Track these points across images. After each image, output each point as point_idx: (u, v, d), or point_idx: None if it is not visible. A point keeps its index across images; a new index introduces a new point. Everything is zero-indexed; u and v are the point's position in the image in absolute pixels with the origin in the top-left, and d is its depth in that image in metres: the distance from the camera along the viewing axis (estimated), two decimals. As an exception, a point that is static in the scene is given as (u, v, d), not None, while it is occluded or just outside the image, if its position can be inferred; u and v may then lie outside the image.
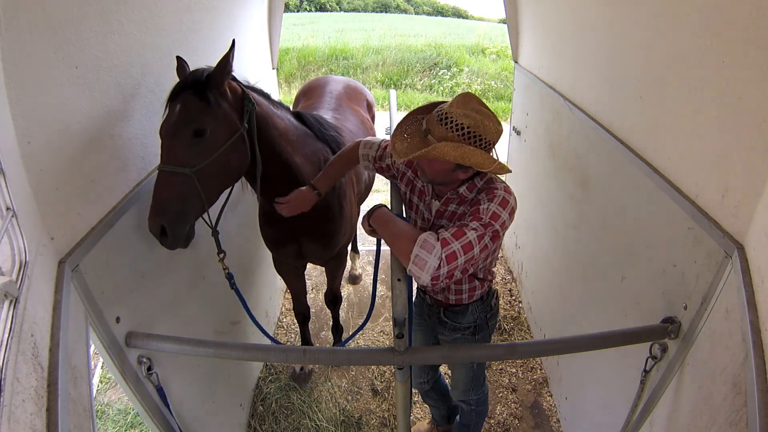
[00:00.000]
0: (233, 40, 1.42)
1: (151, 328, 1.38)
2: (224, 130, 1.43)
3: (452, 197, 1.39)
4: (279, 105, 1.77)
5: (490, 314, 1.63)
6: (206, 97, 1.38)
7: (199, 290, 1.81)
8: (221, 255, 1.63)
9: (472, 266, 1.22)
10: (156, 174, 1.33)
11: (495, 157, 1.25)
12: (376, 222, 1.35)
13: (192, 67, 1.48)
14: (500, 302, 3.18)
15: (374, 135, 2.79)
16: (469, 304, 1.58)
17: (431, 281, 1.16)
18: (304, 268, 2.53)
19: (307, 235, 2.01)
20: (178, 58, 1.50)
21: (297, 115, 1.88)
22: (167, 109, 1.39)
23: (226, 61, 1.39)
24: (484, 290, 1.57)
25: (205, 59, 1.95)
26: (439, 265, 1.14)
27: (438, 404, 2.16)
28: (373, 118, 2.97)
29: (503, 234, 1.25)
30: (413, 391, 2.57)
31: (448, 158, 1.19)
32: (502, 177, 1.45)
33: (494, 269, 1.56)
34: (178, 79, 1.45)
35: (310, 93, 2.75)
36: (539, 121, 2.70)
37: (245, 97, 1.52)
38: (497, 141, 1.24)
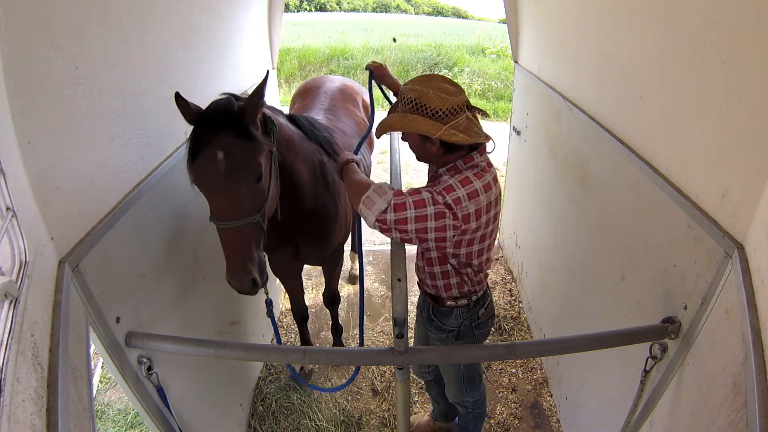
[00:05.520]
0: (267, 72, 1.35)
1: (151, 328, 1.38)
2: (267, 161, 1.39)
3: (436, 178, 1.46)
4: (279, 112, 1.75)
5: (476, 323, 1.63)
6: (250, 135, 1.29)
7: (199, 290, 1.81)
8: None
9: (429, 235, 1.30)
10: (221, 231, 1.29)
11: (455, 127, 1.34)
12: (345, 174, 1.49)
13: (193, 69, 1.45)
14: (500, 302, 3.18)
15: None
16: (453, 308, 1.59)
17: (377, 222, 1.30)
18: (301, 269, 2.53)
19: (303, 237, 2.00)
20: (177, 96, 1.35)
21: (291, 119, 1.86)
22: (202, 157, 1.26)
23: (261, 92, 1.33)
24: (464, 290, 1.55)
25: (205, 59, 1.95)
26: (386, 209, 1.28)
27: (439, 398, 2.16)
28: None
29: (460, 212, 1.29)
30: (413, 391, 2.57)
31: (397, 127, 1.37)
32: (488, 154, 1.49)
33: (482, 272, 1.55)
34: (176, 99, 1.34)
35: (306, 94, 2.74)
36: (539, 121, 2.70)
37: (267, 119, 1.47)
38: (447, 108, 1.32)
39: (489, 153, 1.45)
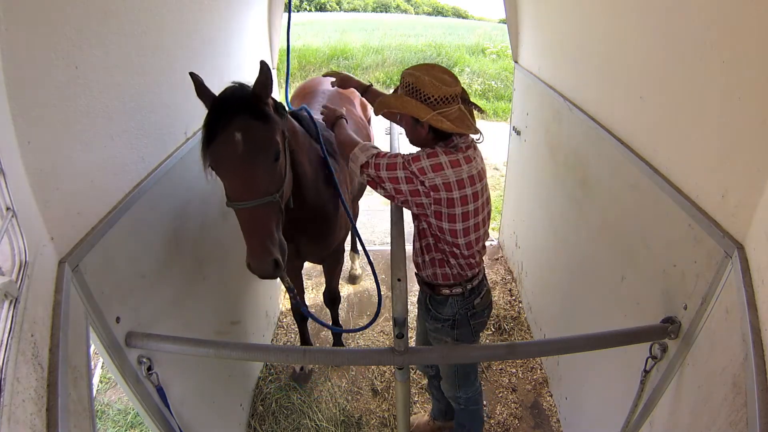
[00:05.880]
0: (262, 62, 1.36)
1: (151, 328, 1.38)
2: (282, 141, 1.41)
3: None
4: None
5: (471, 313, 1.65)
6: (266, 116, 1.32)
7: (199, 290, 1.81)
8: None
9: (409, 199, 1.43)
10: (239, 212, 1.29)
11: (449, 117, 1.42)
12: (337, 129, 1.71)
13: (193, 69, 1.44)
14: (500, 302, 3.18)
15: (370, 134, 2.78)
16: (448, 297, 1.62)
17: (360, 169, 1.48)
18: (302, 267, 2.53)
19: (304, 235, 2.01)
20: (192, 75, 1.38)
21: (293, 116, 1.87)
22: (219, 139, 1.28)
23: (267, 76, 1.35)
24: (455, 273, 1.57)
25: (205, 59, 1.95)
26: (368, 163, 1.46)
27: (439, 397, 2.16)
28: (369, 118, 2.96)
29: (427, 182, 1.39)
30: (413, 391, 2.57)
31: (392, 106, 1.47)
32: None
33: (473, 257, 1.56)
34: (189, 88, 1.38)
35: (304, 94, 2.75)
36: (539, 121, 2.70)
37: (277, 104, 1.49)
38: (440, 96, 1.39)
39: (479, 142, 1.52)
